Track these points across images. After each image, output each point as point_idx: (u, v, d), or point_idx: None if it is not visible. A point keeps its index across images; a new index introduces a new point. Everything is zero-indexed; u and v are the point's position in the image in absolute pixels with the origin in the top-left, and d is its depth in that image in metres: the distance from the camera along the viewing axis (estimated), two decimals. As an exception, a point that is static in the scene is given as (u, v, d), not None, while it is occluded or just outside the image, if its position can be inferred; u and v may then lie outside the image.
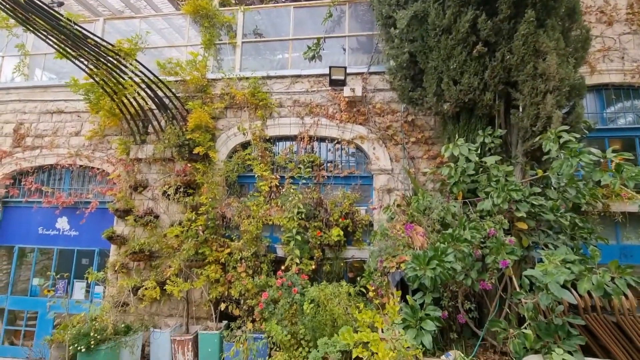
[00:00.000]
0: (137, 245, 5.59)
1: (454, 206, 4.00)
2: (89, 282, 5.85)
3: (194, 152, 5.70)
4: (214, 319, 5.45)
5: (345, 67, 5.69)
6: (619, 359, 3.14)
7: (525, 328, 2.81)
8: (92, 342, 4.43)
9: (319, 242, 5.30)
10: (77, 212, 6.38)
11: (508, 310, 3.42)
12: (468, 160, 3.79)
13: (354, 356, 2.69)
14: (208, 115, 5.79)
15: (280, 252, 5.61)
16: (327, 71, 6.03)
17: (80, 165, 6.56)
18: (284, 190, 5.77)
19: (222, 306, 5.26)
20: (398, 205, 4.72)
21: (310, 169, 5.84)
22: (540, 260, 3.07)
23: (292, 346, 4.11)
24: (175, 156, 5.97)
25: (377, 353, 2.59)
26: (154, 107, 6.03)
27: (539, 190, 3.57)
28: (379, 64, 6.02)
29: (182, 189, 5.70)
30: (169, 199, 5.83)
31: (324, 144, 6.10)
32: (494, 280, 3.24)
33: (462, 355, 2.61)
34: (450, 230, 3.33)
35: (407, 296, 2.88)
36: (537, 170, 3.69)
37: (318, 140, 6.04)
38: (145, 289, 5.24)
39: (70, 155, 6.55)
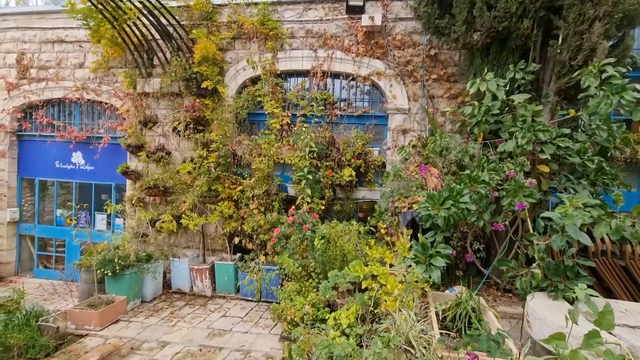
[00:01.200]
0: (151, 181, 5.69)
1: (473, 147, 3.82)
2: (109, 213, 6.10)
3: (202, 87, 5.46)
4: (229, 251, 5.74)
5: (364, -9, 5.08)
6: (622, 299, 3.22)
7: (534, 268, 2.83)
8: (117, 268, 4.75)
9: (330, 182, 5.28)
10: (90, 146, 6.43)
11: (518, 251, 3.44)
12: (494, 97, 3.51)
13: (363, 287, 2.80)
14: (215, 45, 5.41)
15: (291, 191, 5.66)
16: (343, -4, 5.44)
17: (88, 100, 6.43)
18: (295, 128, 5.62)
19: (236, 240, 5.50)
20: (414, 146, 4.56)
21: (323, 107, 5.59)
22: (556, 205, 2.99)
23: (303, 277, 4.33)
24: (183, 91, 5.75)
25: (385, 285, 2.67)
26: (157, 36, 5.66)
27: (567, 131, 3.33)
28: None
29: (191, 126, 5.60)
30: (180, 136, 5.77)
31: (338, 81, 5.73)
32: (507, 222, 3.20)
33: (467, 290, 2.68)
34: (467, 172, 3.21)
35: (419, 234, 2.89)
36: (569, 111, 3.41)
37: (332, 77, 5.68)
38: (163, 222, 5.46)
39: (76, 88, 6.38)
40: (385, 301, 2.63)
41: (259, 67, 5.68)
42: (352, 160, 5.22)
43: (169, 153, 5.96)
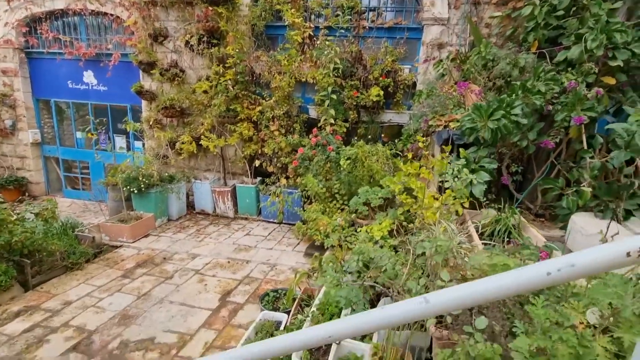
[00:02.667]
0: (167, 101, 5.46)
1: (524, 58, 3.35)
2: (128, 133, 6.03)
3: (214, -9, 4.85)
4: (249, 174, 5.71)
5: None
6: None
7: (583, 187, 2.62)
8: (142, 186, 4.81)
9: (354, 103, 4.94)
10: (101, 64, 6.08)
11: (561, 173, 3.20)
12: None
13: (400, 200, 2.69)
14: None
15: (312, 113, 5.35)
16: None
17: (92, 11, 5.89)
18: (318, 42, 5.08)
19: (257, 163, 5.41)
20: (452, 60, 4.07)
21: (350, 18, 4.96)
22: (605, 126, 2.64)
23: (327, 199, 4.29)
24: (192, -2, 5.15)
25: (421, 200, 2.53)
26: None
27: (646, 34, 2.82)
28: None
29: (205, 39, 5.12)
30: (193, 51, 5.33)
31: (368, -16, 4.99)
32: (558, 139, 2.90)
33: (509, 207, 2.53)
34: (520, 82, 2.82)
35: (460, 149, 2.66)
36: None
37: (361, -22, 4.92)
38: (182, 143, 5.36)
39: (78, -3, 5.81)
40: (421, 216, 2.52)
41: (277, -32, 4.94)
42: (380, 78, 4.78)
43: (182, 71, 5.60)
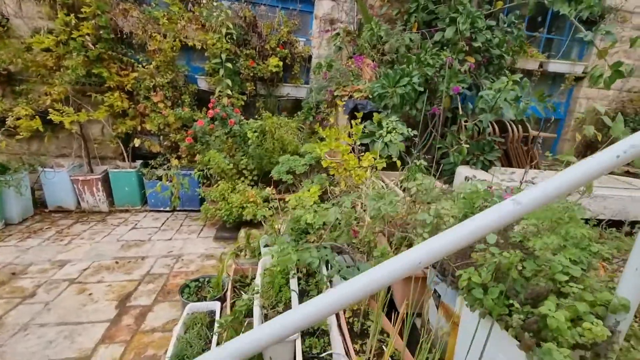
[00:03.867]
0: (-18, 60, 3.87)
1: (409, 37, 3.80)
2: None
3: None
4: (126, 157, 4.71)
5: None
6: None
7: (463, 144, 3.21)
8: (-48, 179, 3.33)
9: (251, 74, 4.63)
10: None
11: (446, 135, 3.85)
12: None
13: (325, 165, 2.69)
14: None
15: (202, 84, 4.75)
16: None
17: None
18: (204, 1, 4.48)
19: (136, 142, 4.50)
20: (348, 33, 4.26)
21: (240, -22, 4.55)
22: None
23: (234, 175, 3.95)
24: None
25: (348, 161, 2.61)
26: None
27: (493, 23, 3.60)
28: None
29: (41, -23, 3.81)
30: (21, -8, 3.90)
31: (256, -55, 4.65)
32: (442, 107, 3.44)
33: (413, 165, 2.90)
34: (413, 55, 3.19)
35: (374, 114, 2.84)
36: (497, 2, 3.64)
37: (249, -64, 4.53)
38: (17, 119, 3.93)
39: None
40: (348, 179, 2.60)
41: None
42: (278, 48, 4.61)
43: (7, 19, 4.05)
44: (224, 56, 4.33)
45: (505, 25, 3.92)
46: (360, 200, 2.27)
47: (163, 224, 4.38)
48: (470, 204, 1.58)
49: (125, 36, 4.22)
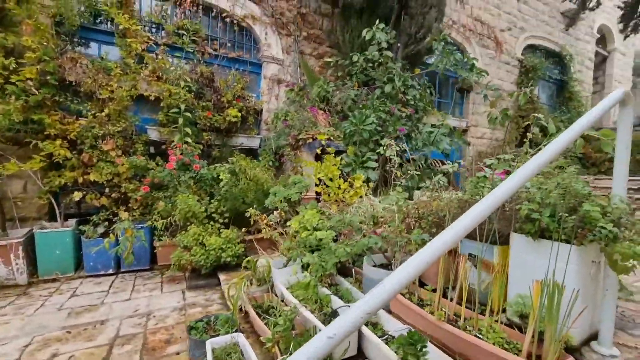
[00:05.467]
0: None
1: (355, 93, 4.64)
2: None
3: (-2, -40, 3.48)
4: (59, 215, 4.05)
5: None
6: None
7: (416, 173, 3.93)
8: None
9: (208, 124, 4.78)
10: None
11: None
12: (380, 47, 4.41)
13: (318, 190, 2.95)
14: None
15: (154, 134, 4.64)
16: None
17: None
18: (158, 58, 4.61)
19: (77, 195, 3.97)
20: (300, 89, 4.90)
21: (195, 39, 4.90)
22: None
23: (204, 220, 3.81)
24: (-56, -43, 3.43)
25: (337, 188, 2.97)
26: None
27: (415, 84, 4.72)
28: (274, -61, 5.47)
29: (-27, 19, 3.48)
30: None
31: (209, 17, 5.17)
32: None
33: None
34: (373, 101, 3.95)
35: (349, 147, 3.33)
36: (415, 70, 4.82)
37: (203, 7, 5.03)
38: None
39: None
40: (339, 201, 2.93)
41: (100, -35, 4.23)
42: (235, 101, 4.94)
43: None
44: (182, 106, 4.42)
45: (420, 87, 5.14)
46: (360, 210, 2.60)
47: (110, 287, 3.77)
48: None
49: (71, 84, 3.98)
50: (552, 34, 9.73)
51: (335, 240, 2.57)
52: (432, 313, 1.70)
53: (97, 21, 4.46)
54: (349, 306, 1.91)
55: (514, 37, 8.90)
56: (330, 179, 2.94)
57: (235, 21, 5.27)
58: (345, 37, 5.02)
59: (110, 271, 4.14)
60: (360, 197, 2.89)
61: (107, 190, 4.12)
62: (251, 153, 5.31)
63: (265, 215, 3.27)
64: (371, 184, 3.18)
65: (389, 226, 2.07)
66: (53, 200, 3.99)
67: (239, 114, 4.85)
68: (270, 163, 4.75)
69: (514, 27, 8.85)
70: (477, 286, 1.69)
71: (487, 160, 1.93)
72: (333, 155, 3.37)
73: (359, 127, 3.63)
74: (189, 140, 4.44)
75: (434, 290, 1.86)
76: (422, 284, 2.22)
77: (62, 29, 4.13)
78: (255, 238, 3.89)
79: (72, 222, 4.15)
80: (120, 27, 4.23)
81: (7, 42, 3.53)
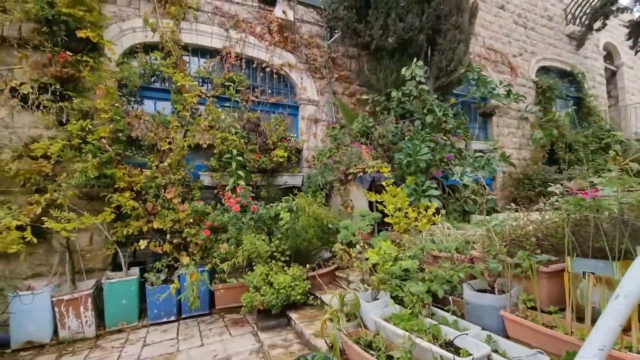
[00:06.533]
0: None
1: (396, 125, 4.84)
2: None
3: (77, 37, 3.92)
4: (124, 265, 4.15)
5: (279, -16, 5.37)
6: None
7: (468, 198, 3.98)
8: None
9: (256, 166, 4.98)
10: None
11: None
12: (420, 82, 4.67)
13: (393, 221, 3.01)
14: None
15: (207, 179, 4.85)
16: (253, -16, 5.53)
17: None
18: (202, 110, 4.93)
19: (142, 244, 4.09)
20: (342, 127, 5.13)
21: (240, 89, 5.26)
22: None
23: (266, 259, 3.86)
24: (32, 37, 3.89)
25: (407, 216, 3.04)
26: None
27: (453, 112, 4.92)
28: (302, -4, 6.03)
29: (54, 88, 3.85)
30: (17, 104, 3.79)
31: (251, 67, 5.59)
32: (441, 169, 4.29)
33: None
34: (420, 134, 4.12)
35: (408, 177, 3.43)
36: (450, 99, 5.04)
37: (245, 61, 5.45)
38: (7, 228, 3.33)
39: None
40: (412, 229, 2.99)
41: (157, 33, 4.70)
42: (280, 142, 5.17)
43: (-10, 131, 3.77)
44: (234, 151, 4.65)
45: (454, 116, 5.33)
46: (438, 237, 2.64)
47: (178, 334, 3.77)
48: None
49: (135, 139, 4.27)
50: (561, 55, 10.10)
51: (421, 270, 2.59)
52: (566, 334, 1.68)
53: (152, 81, 4.86)
54: (466, 334, 1.90)
55: (526, 61, 9.26)
56: (398, 209, 3.02)
57: (274, 70, 5.67)
58: (379, 76, 5.33)
59: (173, 318, 4.15)
60: (434, 224, 2.94)
61: (168, 236, 4.25)
62: (294, 190, 5.45)
63: (350, 248, 3.31)
64: (442, 212, 3.23)
65: (490, 250, 2.10)
66: (119, 250, 4.12)
67: (285, 154, 5.07)
68: (320, 197, 4.86)
69: (525, 52, 9.23)
70: (599, 304, 1.69)
71: (594, 179, 1.99)
72: (393, 187, 3.47)
73: (414, 158, 3.77)
74: (242, 182, 4.62)
75: (551, 312, 1.85)
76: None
77: (124, 91, 4.50)
78: (318, 274, 3.90)
79: (136, 270, 4.24)
80: (177, 84, 4.60)
81: (83, 105, 3.88)
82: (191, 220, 4.30)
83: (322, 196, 4.78)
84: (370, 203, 4.35)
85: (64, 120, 3.92)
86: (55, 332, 3.70)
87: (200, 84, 5.12)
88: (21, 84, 3.77)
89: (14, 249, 3.31)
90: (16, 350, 3.50)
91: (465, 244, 2.37)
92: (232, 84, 5.14)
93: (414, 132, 4.42)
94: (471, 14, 5.32)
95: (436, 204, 3.30)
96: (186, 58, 5.04)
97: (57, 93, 3.89)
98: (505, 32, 8.85)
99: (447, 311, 2.27)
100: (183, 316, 4.22)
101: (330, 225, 4.01)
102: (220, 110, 4.90)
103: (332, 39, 6.04)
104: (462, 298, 2.36)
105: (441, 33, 5.05)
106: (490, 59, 8.34)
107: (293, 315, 3.45)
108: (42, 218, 3.55)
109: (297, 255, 4.08)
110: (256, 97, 5.53)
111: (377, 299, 2.60)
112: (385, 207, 3.39)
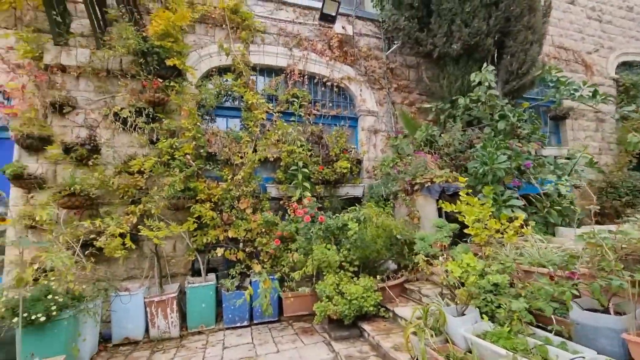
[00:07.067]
0: (75, 186, 3.94)
1: (462, 134, 4.66)
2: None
3: (166, 65, 4.41)
4: (202, 271, 4.47)
5: (339, 2, 5.55)
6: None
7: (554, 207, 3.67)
8: (53, 308, 2.96)
9: (320, 178, 5.10)
10: None
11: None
12: (489, 87, 4.48)
13: (474, 232, 2.90)
14: (187, 18, 4.55)
15: (273, 191, 5.08)
16: (312, 3, 5.79)
17: None
18: (271, 125, 5.20)
19: (219, 251, 4.39)
20: (405, 136, 5.08)
21: (304, 104, 5.48)
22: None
23: (336, 269, 3.91)
24: (130, 68, 4.47)
25: (487, 227, 2.89)
26: None
27: (526, 116, 4.62)
28: (357, 9, 6.16)
29: (147, 111, 4.36)
30: (119, 126, 4.34)
31: (312, 82, 5.81)
32: (517, 177, 4.03)
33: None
34: (494, 141, 3.93)
35: (485, 187, 3.28)
36: (524, 104, 4.75)
37: (307, 77, 5.68)
38: (111, 236, 3.80)
39: None
40: (496, 241, 2.83)
41: (230, 56, 5.11)
42: (342, 154, 5.26)
43: (96, 149, 4.34)
44: (300, 163, 4.83)
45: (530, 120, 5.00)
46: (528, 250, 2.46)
47: (252, 339, 3.94)
48: None
49: (212, 154, 4.65)
50: (647, 48, 9.00)
51: (511, 285, 2.43)
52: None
53: (224, 100, 5.26)
54: (583, 357, 1.73)
55: (603, 58, 8.41)
56: (477, 220, 2.88)
57: (334, 84, 5.83)
58: (442, 83, 5.21)
59: (245, 323, 4.35)
60: (521, 236, 2.76)
61: (241, 245, 4.50)
62: (353, 201, 5.48)
63: (431, 259, 3.24)
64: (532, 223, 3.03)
65: (602, 266, 1.91)
66: (198, 257, 4.46)
67: (349, 165, 5.14)
68: (384, 207, 4.82)
69: (601, 48, 8.39)
70: None
71: None
72: (470, 196, 3.32)
73: (491, 166, 3.60)
74: (308, 193, 4.76)
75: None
76: None
77: (201, 111, 4.93)
78: (388, 285, 3.84)
79: (212, 276, 4.54)
80: (249, 102, 4.94)
81: (171, 126, 4.32)
82: (262, 230, 4.52)
83: (390, 206, 4.73)
84: (439, 213, 4.21)
85: (154, 139, 4.40)
86: (147, 330, 4.08)
87: (266, 100, 5.43)
88: (121, 109, 4.33)
89: (119, 254, 3.75)
90: (116, 344, 3.92)
91: (571, 258, 2.18)
92: (296, 100, 5.37)
93: (485, 139, 4.22)
94: (544, 13, 5.01)
95: (523, 215, 3.10)
96: (253, 77, 5.41)
97: (150, 115, 4.39)
98: (577, 27, 8.15)
99: (550, 331, 2.10)
100: (254, 322, 4.41)
101: (398, 236, 3.96)
102: (285, 124, 5.13)
103: (391, 50, 6.06)
104: (565, 317, 2.17)
105: (511, 35, 4.80)
106: (561, 57, 7.73)
107: (366, 327, 3.43)
108: (138, 226, 3.99)
109: (363, 266, 4.08)
110: (317, 110, 5.71)
111: (464, 315, 2.49)
112: (459, 217, 3.26)
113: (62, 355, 2.92)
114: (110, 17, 4.44)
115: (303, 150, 4.92)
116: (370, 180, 5.66)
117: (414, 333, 2.45)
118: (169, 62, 4.38)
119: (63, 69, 4.34)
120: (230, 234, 4.42)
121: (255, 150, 4.86)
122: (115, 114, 4.31)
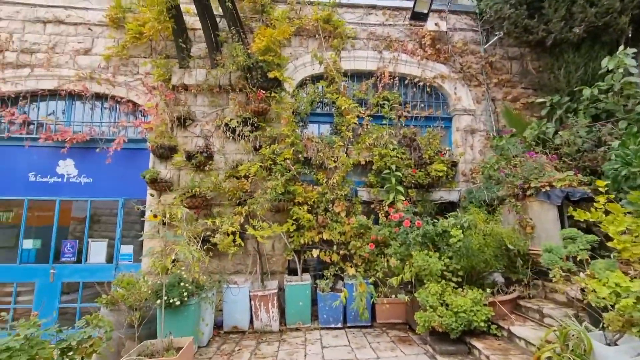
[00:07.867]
0: (194, 189, 4.51)
1: (587, 130, 4.00)
2: (117, 238, 4.59)
3: (268, 78, 4.79)
4: (299, 271, 4.69)
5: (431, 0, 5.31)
6: None
7: None
8: (185, 294, 3.42)
9: (413, 182, 4.92)
10: (98, 150, 4.94)
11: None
12: (628, 74, 3.79)
13: (621, 247, 2.45)
14: (287, 32, 4.88)
15: (364, 194, 5.07)
16: (402, 4, 5.65)
17: (96, 93, 5.08)
18: (362, 129, 5.20)
19: (315, 253, 4.55)
20: (512, 135, 4.58)
21: (394, 107, 5.38)
22: None
23: (437, 278, 3.69)
24: (237, 82, 4.96)
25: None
26: (197, 26, 4.96)
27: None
28: (451, 3, 5.80)
29: (252, 121, 4.77)
30: (232, 134, 4.83)
31: (403, 83, 5.67)
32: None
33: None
34: (622, 142, 3.28)
35: (634, 192, 2.74)
36: (675, 90, 3.87)
37: (397, 78, 5.56)
38: (226, 233, 4.24)
39: (79, 78, 5.01)
40: None
41: (322, 64, 5.30)
42: (437, 156, 5.00)
43: (211, 156, 4.90)
44: (393, 167, 4.73)
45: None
46: None
47: (349, 341, 3.96)
48: None
49: (307, 159, 4.86)
50: None
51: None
52: None
53: (316, 107, 5.46)
54: None
55: None
56: (625, 232, 2.41)
57: (426, 84, 5.59)
58: (557, 73, 4.57)
59: (339, 325, 4.40)
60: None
61: (334, 247, 4.59)
62: (447, 207, 5.14)
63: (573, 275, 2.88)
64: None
65: None
66: (295, 257, 4.69)
67: (445, 168, 4.85)
68: (483, 215, 4.41)
69: None
70: None
71: None
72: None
73: (634, 165, 3.00)
74: (401, 197, 4.63)
75: None
76: None
77: (297, 118, 5.21)
78: (499, 300, 3.48)
79: (308, 276, 4.72)
80: (341, 107, 5.05)
81: (272, 133, 4.66)
82: (355, 233, 4.54)
83: (499, 213, 4.30)
84: (562, 223, 3.67)
85: (257, 146, 4.80)
86: (251, 322, 4.43)
87: (357, 105, 5.47)
88: (230, 119, 4.83)
89: (232, 250, 4.17)
90: (227, 332, 4.35)
91: None
92: (387, 102, 5.30)
93: (626, 135, 3.53)
94: None
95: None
96: (344, 83, 5.51)
97: (254, 124, 4.81)
98: None
99: None
100: (348, 325, 4.44)
101: (510, 247, 3.56)
102: (377, 128, 5.09)
103: (490, 42, 5.57)
104: None
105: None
106: None
107: (477, 344, 3.15)
108: (244, 226, 4.38)
109: (467, 277, 3.77)
110: (408, 112, 5.54)
111: (616, 344, 2.10)
112: (592, 228, 2.77)
113: (190, 337, 3.34)
114: (221, 39, 5.01)
115: (396, 153, 4.81)
116: (466, 184, 5.25)
117: (549, 358, 2.16)
118: (270, 75, 4.74)
119: (185, 87, 5.04)
120: (325, 236, 4.54)
121: (347, 154, 4.93)
122: (226, 125, 4.82)
